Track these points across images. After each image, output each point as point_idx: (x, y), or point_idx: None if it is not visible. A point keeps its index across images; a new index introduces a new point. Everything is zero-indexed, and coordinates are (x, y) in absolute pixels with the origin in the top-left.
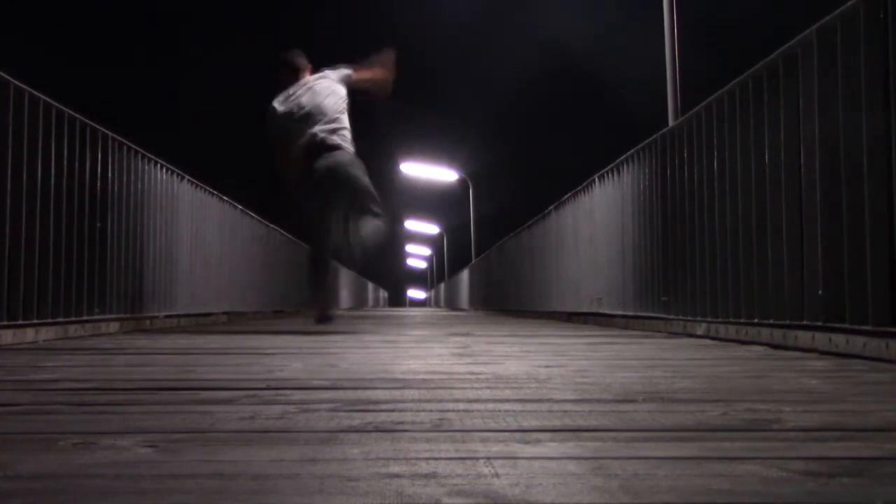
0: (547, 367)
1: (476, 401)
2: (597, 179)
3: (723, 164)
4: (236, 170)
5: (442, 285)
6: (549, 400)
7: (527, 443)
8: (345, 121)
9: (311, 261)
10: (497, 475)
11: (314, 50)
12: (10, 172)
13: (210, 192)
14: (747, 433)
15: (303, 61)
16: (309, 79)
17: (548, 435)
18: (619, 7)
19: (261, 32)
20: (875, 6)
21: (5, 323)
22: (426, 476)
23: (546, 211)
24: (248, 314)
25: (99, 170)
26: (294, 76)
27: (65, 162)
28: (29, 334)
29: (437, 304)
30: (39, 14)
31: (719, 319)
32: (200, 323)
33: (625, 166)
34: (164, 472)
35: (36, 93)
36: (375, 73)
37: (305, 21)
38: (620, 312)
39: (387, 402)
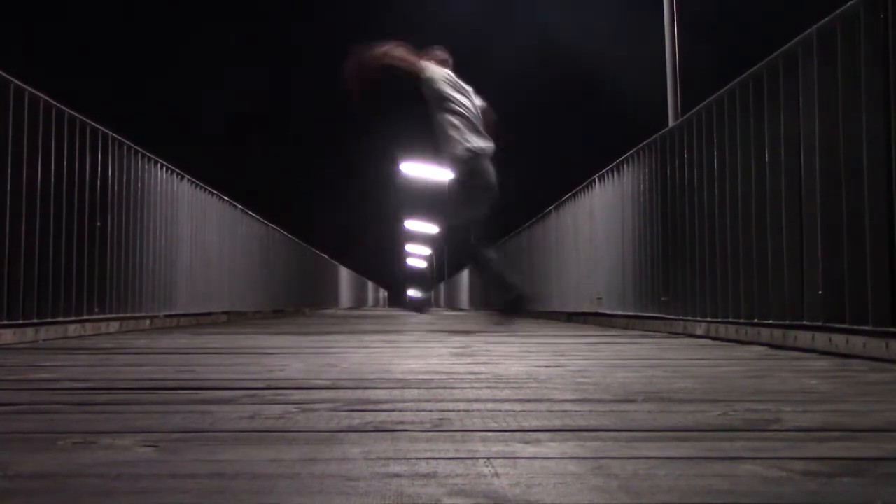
0: (547, 367)
1: (476, 401)
2: (597, 179)
3: (723, 164)
4: (237, 168)
5: (442, 285)
6: (548, 400)
7: (527, 443)
8: None
9: (475, 257)
10: (497, 475)
11: (314, 49)
12: (10, 172)
13: (210, 191)
14: (747, 433)
15: (448, 58)
16: (466, 87)
17: (548, 435)
18: (620, 7)
19: (257, 24)
20: (875, 6)
21: (5, 323)
22: (426, 476)
23: (546, 211)
24: (248, 314)
25: (99, 170)
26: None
27: (65, 162)
28: (29, 334)
29: (438, 304)
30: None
31: (719, 319)
32: (200, 322)
33: (625, 166)
34: (164, 472)
35: (36, 92)
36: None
37: (304, 15)
38: (620, 312)
39: (387, 401)
